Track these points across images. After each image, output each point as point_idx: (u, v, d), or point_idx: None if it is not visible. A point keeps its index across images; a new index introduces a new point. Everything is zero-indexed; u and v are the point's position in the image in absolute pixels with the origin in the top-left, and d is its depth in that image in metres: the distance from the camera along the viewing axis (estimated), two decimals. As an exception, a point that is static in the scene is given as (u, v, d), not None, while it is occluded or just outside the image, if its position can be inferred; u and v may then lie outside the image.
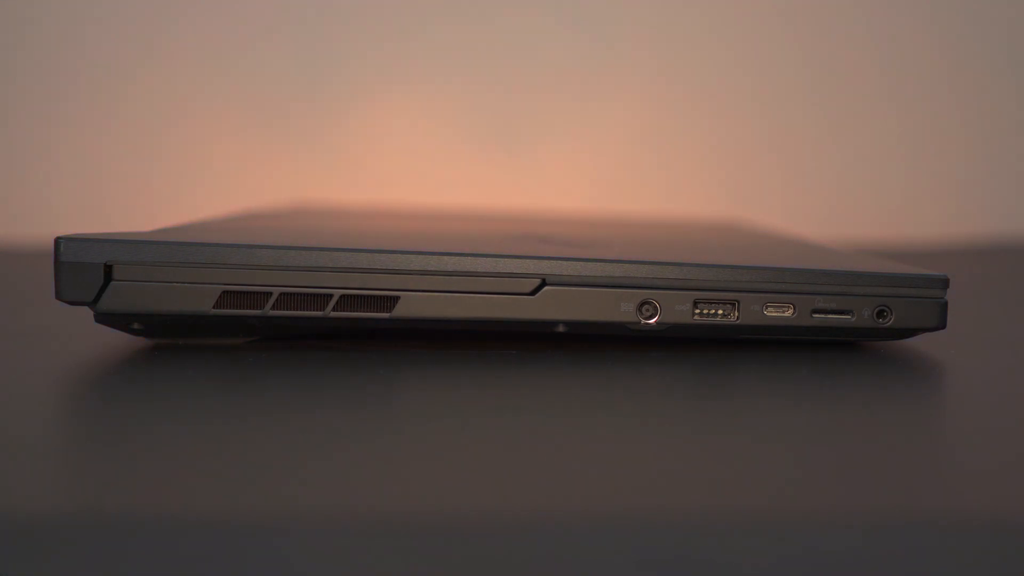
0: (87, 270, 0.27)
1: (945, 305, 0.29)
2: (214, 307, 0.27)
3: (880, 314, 0.29)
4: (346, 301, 0.27)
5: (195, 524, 0.16)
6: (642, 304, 0.28)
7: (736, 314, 0.28)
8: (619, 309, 0.28)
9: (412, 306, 0.28)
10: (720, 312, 0.28)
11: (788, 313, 0.29)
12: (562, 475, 0.19)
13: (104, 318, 0.27)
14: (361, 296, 0.27)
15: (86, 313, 0.27)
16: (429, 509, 0.17)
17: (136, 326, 0.28)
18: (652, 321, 0.28)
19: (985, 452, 0.21)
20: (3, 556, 0.16)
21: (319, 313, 0.27)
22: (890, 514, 0.17)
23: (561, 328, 0.28)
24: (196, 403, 0.24)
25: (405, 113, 0.66)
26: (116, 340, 0.29)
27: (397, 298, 0.28)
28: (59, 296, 0.27)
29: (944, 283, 0.29)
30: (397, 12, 0.66)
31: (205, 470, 0.19)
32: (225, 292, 0.27)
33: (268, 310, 0.27)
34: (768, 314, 0.29)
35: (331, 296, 0.27)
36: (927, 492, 0.19)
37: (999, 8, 0.68)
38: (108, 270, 0.27)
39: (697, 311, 0.28)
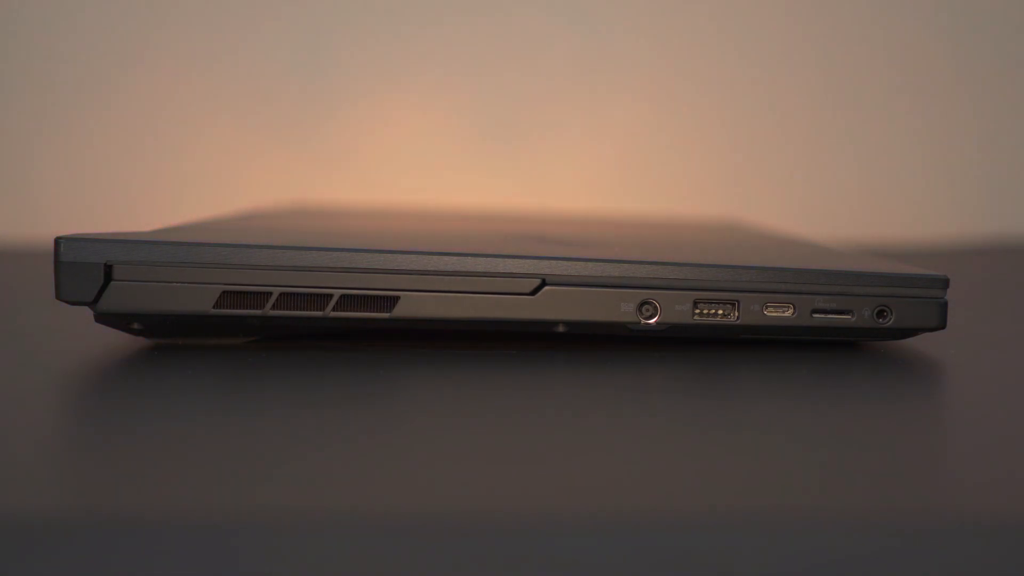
0: (87, 270, 0.27)
1: (945, 305, 0.29)
2: (214, 307, 0.27)
3: (880, 314, 0.29)
4: (346, 301, 0.27)
5: (195, 524, 0.16)
6: (642, 304, 0.28)
7: (736, 314, 0.28)
8: (619, 309, 0.28)
9: (412, 306, 0.28)
10: (720, 312, 0.28)
11: (788, 313, 0.29)
12: (562, 475, 0.19)
13: (104, 318, 0.27)
14: (361, 296, 0.27)
15: (86, 313, 0.27)
16: (429, 509, 0.17)
17: (136, 326, 0.28)
18: (652, 321, 0.28)
19: (985, 452, 0.21)
20: (3, 556, 0.16)
21: (319, 313, 0.27)
22: (890, 514, 0.17)
23: (561, 328, 0.28)
24: (196, 403, 0.24)
25: (405, 113, 0.66)
26: (116, 340, 0.29)
27: (397, 298, 0.28)
28: (59, 296, 0.27)
29: (944, 283, 0.29)
30: (396, 11, 0.66)
31: (205, 470, 0.19)
32: (225, 292, 0.27)
33: (268, 310, 0.27)
34: (768, 314, 0.29)
35: (331, 296, 0.27)
36: (927, 492, 0.19)
37: (1000, 9, 0.68)
38: (108, 270, 0.27)
39: (697, 311, 0.28)
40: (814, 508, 0.17)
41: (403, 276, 0.27)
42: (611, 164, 0.67)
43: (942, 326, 0.29)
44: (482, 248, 0.29)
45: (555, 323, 0.28)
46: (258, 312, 0.27)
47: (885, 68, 0.68)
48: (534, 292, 0.28)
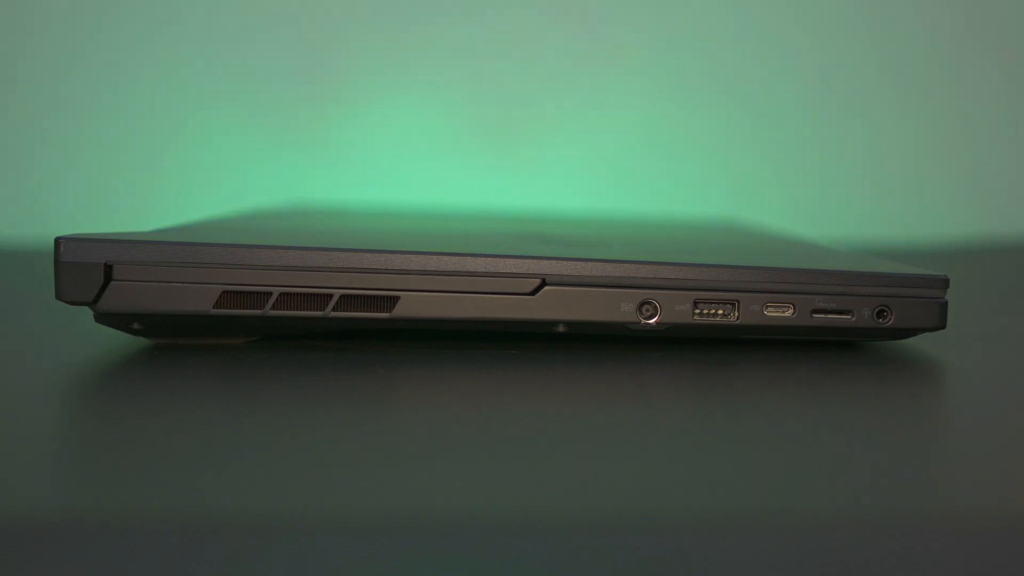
0: (87, 270, 0.27)
1: (945, 305, 0.29)
2: (214, 307, 0.27)
3: (880, 314, 0.29)
4: (346, 301, 0.27)
5: (195, 524, 0.16)
6: (642, 304, 0.28)
7: (736, 314, 0.28)
8: (619, 309, 0.28)
9: (412, 306, 0.28)
10: (720, 312, 0.28)
11: (788, 313, 0.29)
12: (562, 475, 0.19)
13: (104, 318, 0.27)
14: (361, 296, 0.27)
15: (86, 313, 0.27)
16: (429, 509, 0.17)
17: (136, 326, 0.28)
18: (652, 321, 0.28)
19: (985, 452, 0.21)
20: (3, 556, 0.16)
21: (319, 313, 0.27)
22: (890, 514, 0.17)
23: (561, 328, 0.28)
24: (196, 403, 0.24)
25: (405, 113, 0.66)
26: (116, 340, 0.29)
27: (397, 298, 0.28)
28: (59, 296, 0.27)
29: (944, 283, 0.29)
30: (397, 12, 0.66)
31: (205, 470, 0.19)
32: (225, 292, 0.27)
33: (268, 310, 0.27)
34: (768, 314, 0.29)
35: (331, 296, 0.27)
36: (927, 492, 0.19)
37: (999, 8, 0.68)
38: (108, 270, 0.27)
39: (697, 311, 0.28)
40: (814, 508, 0.17)
41: (403, 276, 0.27)
42: (610, 164, 0.67)
43: (942, 326, 0.29)
44: (482, 248, 0.29)
45: (555, 323, 0.28)
46: (258, 312, 0.27)
47: (884, 68, 0.68)
48: (534, 292, 0.28)
